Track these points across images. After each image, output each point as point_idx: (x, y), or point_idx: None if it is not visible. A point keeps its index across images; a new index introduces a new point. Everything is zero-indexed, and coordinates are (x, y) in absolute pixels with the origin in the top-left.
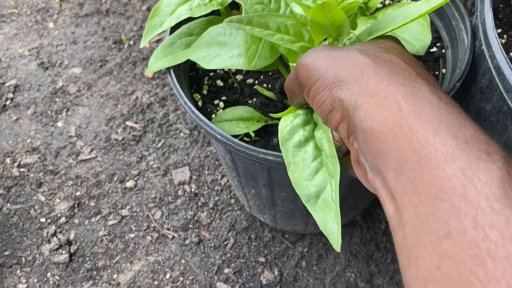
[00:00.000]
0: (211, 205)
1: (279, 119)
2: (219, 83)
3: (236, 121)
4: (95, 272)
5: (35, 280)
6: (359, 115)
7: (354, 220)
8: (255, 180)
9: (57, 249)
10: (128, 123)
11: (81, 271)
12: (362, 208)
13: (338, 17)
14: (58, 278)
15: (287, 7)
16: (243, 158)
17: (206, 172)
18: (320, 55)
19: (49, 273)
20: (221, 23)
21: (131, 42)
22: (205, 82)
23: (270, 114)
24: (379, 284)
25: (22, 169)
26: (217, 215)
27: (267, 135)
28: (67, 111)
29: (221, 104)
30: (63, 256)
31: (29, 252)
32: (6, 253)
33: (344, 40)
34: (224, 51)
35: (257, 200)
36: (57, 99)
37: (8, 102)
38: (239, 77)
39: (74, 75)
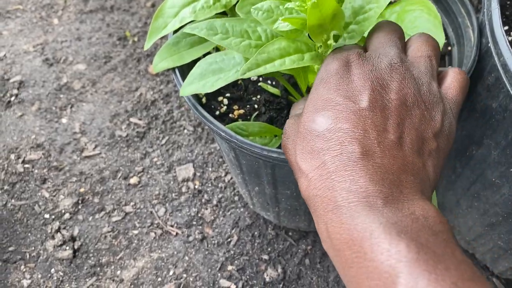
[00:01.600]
0: (214, 202)
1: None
2: None
3: (253, 136)
4: (98, 268)
5: (39, 276)
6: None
7: None
8: (259, 177)
9: (61, 245)
10: (132, 119)
11: (85, 267)
12: None
13: (329, 7)
14: (62, 274)
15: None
16: (247, 156)
17: (210, 169)
18: (290, 141)
19: (53, 269)
20: (208, 56)
21: (136, 39)
22: None
23: None
24: None
25: (26, 165)
26: (220, 212)
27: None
28: (71, 107)
29: (225, 101)
30: (67, 252)
31: (33, 248)
32: (10, 248)
33: (344, 34)
34: (222, 74)
35: (261, 198)
36: (61, 96)
37: (12, 98)
38: None
39: (79, 71)
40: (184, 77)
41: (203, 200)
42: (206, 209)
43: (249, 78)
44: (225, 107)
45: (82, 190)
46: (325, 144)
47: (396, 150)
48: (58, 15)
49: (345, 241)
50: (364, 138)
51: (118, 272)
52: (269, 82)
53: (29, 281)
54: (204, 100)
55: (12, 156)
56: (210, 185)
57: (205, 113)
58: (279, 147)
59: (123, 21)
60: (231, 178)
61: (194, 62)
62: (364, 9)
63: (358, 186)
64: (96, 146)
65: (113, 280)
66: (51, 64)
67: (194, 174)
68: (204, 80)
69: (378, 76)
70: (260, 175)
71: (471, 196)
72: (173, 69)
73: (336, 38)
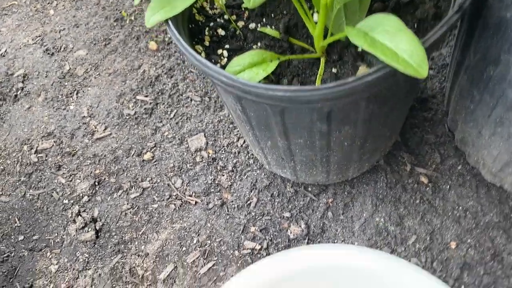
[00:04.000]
0: (230, 167)
1: (291, 54)
2: (221, 32)
3: (248, 69)
4: (122, 246)
5: (66, 260)
6: None
7: (377, 165)
8: (270, 129)
9: (83, 227)
10: (138, 97)
11: (109, 246)
12: (385, 152)
13: None
14: (87, 255)
15: None
16: (253, 105)
17: (222, 136)
18: None
19: (78, 252)
20: None
21: (132, 18)
22: (206, 33)
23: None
24: (410, 225)
25: (40, 155)
26: (237, 177)
27: (275, 78)
28: (77, 93)
29: (225, 53)
30: (89, 234)
31: (56, 234)
32: (34, 237)
33: None
34: None
35: (275, 153)
36: (66, 83)
37: (19, 92)
38: (240, 23)
39: (80, 57)
40: (178, 28)
41: (218, 167)
42: (223, 175)
43: (247, 27)
44: (225, 59)
45: (97, 171)
46: None
47: None
48: (53, 5)
49: None
50: None
51: (142, 247)
52: (267, 28)
53: (56, 266)
54: (203, 55)
55: (25, 148)
56: (223, 151)
57: (204, 60)
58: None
59: (118, 2)
60: (244, 142)
61: (190, 17)
62: None
63: None
64: (106, 128)
65: (138, 255)
66: (52, 54)
67: (206, 143)
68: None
69: None
70: (270, 126)
71: (493, 122)
72: (166, 21)
73: None
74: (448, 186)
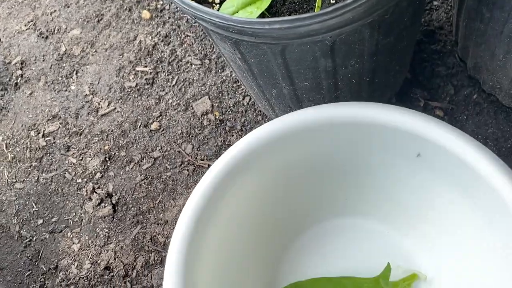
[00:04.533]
0: (238, 127)
1: None
2: None
3: (242, 9)
4: (141, 217)
5: (87, 238)
6: None
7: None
8: (273, 75)
9: (99, 203)
10: (138, 68)
11: (127, 219)
12: (395, 89)
13: None
14: (107, 230)
15: None
16: (252, 49)
17: (227, 97)
18: None
19: (97, 228)
20: None
21: None
22: None
23: None
24: None
25: (47, 138)
26: None
27: (272, 17)
28: (76, 73)
29: (217, 0)
30: (106, 209)
31: (74, 214)
32: (53, 219)
33: None
34: None
35: (282, 103)
36: (64, 64)
37: (19, 80)
38: None
39: (75, 37)
40: None
41: (226, 128)
42: (232, 135)
43: None
44: (217, 5)
45: (106, 147)
46: None
47: None
48: None
49: None
50: None
51: (161, 215)
52: None
53: (78, 245)
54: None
55: (32, 133)
56: (230, 112)
57: (193, 3)
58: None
59: None
60: (250, 100)
61: None
62: None
63: None
64: (109, 103)
65: (158, 224)
66: (47, 37)
67: (212, 106)
68: None
69: None
70: (273, 71)
71: (507, 38)
72: None
73: None
74: (465, 117)
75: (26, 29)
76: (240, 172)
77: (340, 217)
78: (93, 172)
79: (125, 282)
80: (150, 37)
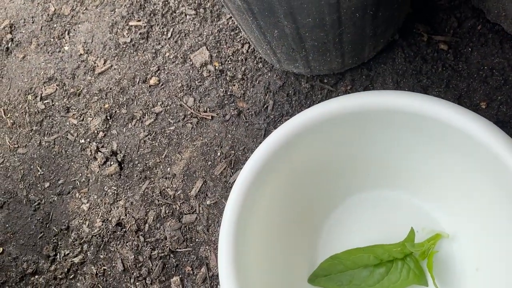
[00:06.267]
0: (239, 76)
1: None
2: None
3: None
4: (148, 172)
5: (95, 197)
6: None
7: (392, 41)
8: (274, 12)
9: (105, 162)
10: (131, 23)
11: (135, 175)
12: (398, 24)
13: None
14: (115, 188)
15: None
16: None
17: (225, 46)
18: None
19: (105, 187)
20: None
21: None
22: None
23: None
24: (435, 94)
25: (46, 101)
26: (249, 84)
27: None
28: (68, 33)
29: None
30: (113, 167)
31: (80, 175)
32: (60, 182)
33: None
34: None
35: (284, 45)
36: (55, 25)
37: (9, 44)
38: None
39: None
40: None
41: (227, 78)
42: (234, 85)
43: None
44: None
45: (106, 106)
46: None
47: None
48: None
49: None
50: None
51: (168, 169)
52: None
53: (87, 205)
54: None
55: (30, 97)
56: (230, 61)
57: None
58: None
59: None
60: (249, 47)
61: None
62: None
63: None
64: (105, 61)
65: (166, 178)
66: None
67: (211, 56)
68: None
69: None
70: (274, 8)
71: None
72: None
73: None
74: (470, 49)
75: None
76: (291, 147)
77: (364, 191)
78: (96, 131)
79: (138, 236)
80: None
